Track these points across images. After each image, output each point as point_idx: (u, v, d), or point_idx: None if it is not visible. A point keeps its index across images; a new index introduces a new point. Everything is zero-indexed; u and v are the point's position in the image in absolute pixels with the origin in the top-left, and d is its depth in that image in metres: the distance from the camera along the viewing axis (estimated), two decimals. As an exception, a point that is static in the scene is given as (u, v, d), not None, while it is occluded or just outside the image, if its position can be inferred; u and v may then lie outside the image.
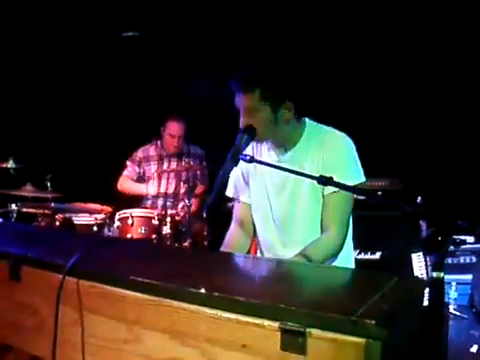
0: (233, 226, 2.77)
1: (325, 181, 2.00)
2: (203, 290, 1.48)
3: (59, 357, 1.86)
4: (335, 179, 2.02)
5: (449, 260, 4.61)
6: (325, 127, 2.59)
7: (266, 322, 1.36)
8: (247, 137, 2.36)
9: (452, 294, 4.28)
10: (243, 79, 2.41)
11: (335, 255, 2.48)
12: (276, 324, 1.34)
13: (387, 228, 4.80)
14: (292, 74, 2.54)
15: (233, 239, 2.72)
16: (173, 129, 5.10)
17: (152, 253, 2.28)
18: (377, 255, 4.74)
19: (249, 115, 2.41)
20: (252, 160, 2.26)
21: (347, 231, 2.52)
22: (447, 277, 4.31)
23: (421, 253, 4.43)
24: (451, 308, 4.15)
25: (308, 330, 1.30)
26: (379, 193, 4.96)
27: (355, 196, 2.62)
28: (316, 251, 2.38)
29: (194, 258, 2.20)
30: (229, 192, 2.75)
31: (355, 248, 2.80)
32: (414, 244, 4.50)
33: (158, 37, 6.07)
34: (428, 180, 4.91)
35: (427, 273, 4.37)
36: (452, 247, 4.52)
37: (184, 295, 1.52)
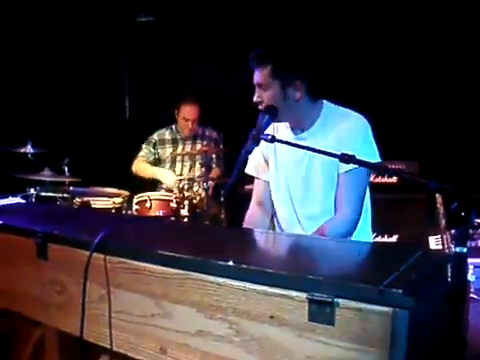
0: (253, 204, 2.81)
1: (347, 159, 2.01)
2: (231, 262, 1.50)
3: (87, 333, 1.89)
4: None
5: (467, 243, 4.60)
6: (342, 108, 2.62)
7: (294, 293, 1.38)
8: (268, 117, 2.40)
9: (470, 277, 4.29)
10: (257, 54, 2.50)
11: (350, 234, 2.49)
12: (304, 295, 1.36)
13: (404, 211, 4.80)
14: (304, 54, 2.59)
15: (253, 217, 2.77)
16: (187, 112, 5.08)
17: (177, 229, 2.30)
18: (394, 238, 4.75)
19: (261, 90, 2.50)
20: (273, 140, 2.27)
21: (361, 210, 2.54)
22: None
23: (439, 236, 4.43)
24: (471, 291, 4.16)
25: (336, 300, 1.32)
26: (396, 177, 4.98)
27: (371, 179, 2.64)
28: (332, 230, 2.41)
29: (219, 233, 2.23)
30: (250, 170, 2.79)
31: (372, 231, 2.81)
32: (431, 227, 4.50)
33: (172, 22, 6.08)
34: (446, 163, 4.89)
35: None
36: (471, 230, 4.52)
37: (211, 268, 1.54)
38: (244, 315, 1.48)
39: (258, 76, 2.49)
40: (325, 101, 2.62)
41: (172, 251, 1.66)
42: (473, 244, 4.58)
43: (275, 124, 2.66)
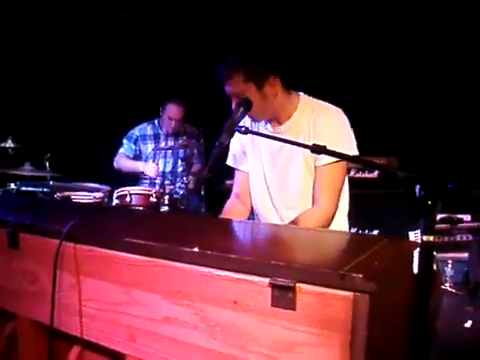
0: (232, 196, 2.85)
1: (319, 149, 2.02)
2: (196, 249, 1.52)
3: (57, 322, 1.90)
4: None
5: (445, 238, 4.65)
6: (320, 101, 2.64)
7: (257, 278, 1.40)
8: (243, 109, 2.40)
9: (448, 272, 4.33)
10: (228, 64, 2.50)
11: (325, 227, 2.51)
12: (267, 280, 1.38)
13: (384, 206, 4.83)
14: (271, 47, 2.60)
15: (232, 207, 2.80)
16: (172, 112, 5.15)
17: (147, 218, 2.31)
18: (374, 233, 4.77)
19: (238, 99, 2.47)
20: (247, 131, 2.28)
21: (338, 204, 2.56)
22: (443, 255, 4.37)
23: (418, 231, 4.46)
24: (447, 285, 4.20)
25: (298, 285, 1.33)
26: (376, 172, 5.02)
27: (351, 174, 2.66)
28: (306, 222, 2.42)
29: (188, 222, 2.24)
30: (229, 161, 2.84)
31: (353, 226, 2.83)
32: (411, 222, 4.53)
33: (155, 18, 6.09)
34: (425, 160, 4.92)
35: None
36: (448, 225, 4.56)
37: (177, 254, 1.55)
38: (209, 300, 1.49)
39: (232, 86, 2.48)
40: (301, 93, 2.64)
41: (140, 239, 1.67)
42: (452, 239, 4.62)
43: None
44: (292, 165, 2.58)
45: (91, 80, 6.20)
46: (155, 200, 4.43)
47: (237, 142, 2.79)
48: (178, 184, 4.87)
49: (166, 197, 4.48)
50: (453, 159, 4.93)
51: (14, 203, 2.76)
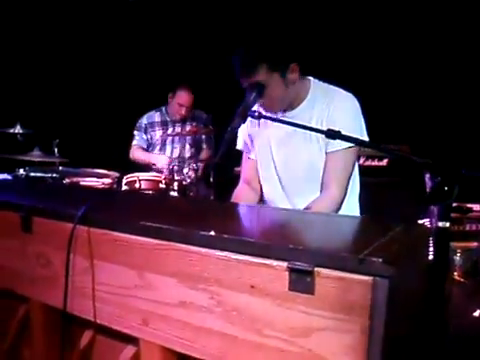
0: (241, 182, 2.83)
1: (333, 134, 2.00)
2: (213, 232, 1.50)
3: (70, 306, 1.90)
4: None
5: (455, 227, 4.63)
6: (331, 86, 2.61)
7: (275, 262, 1.38)
8: (256, 94, 2.37)
9: (457, 261, 4.31)
10: (247, 61, 2.42)
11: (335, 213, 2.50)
12: (284, 264, 1.36)
13: (393, 194, 4.81)
14: (293, 36, 2.56)
15: (241, 194, 2.78)
16: (182, 99, 5.14)
17: (161, 202, 2.30)
18: (382, 221, 4.75)
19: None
20: (260, 116, 2.26)
21: (346, 190, 2.54)
22: (453, 244, 4.33)
23: (427, 219, 4.44)
24: (456, 274, 4.18)
25: (316, 269, 1.32)
26: (386, 160, 4.99)
27: (360, 162, 2.64)
28: (317, 208, 2.41)
29: (202, 206, 2.23)
30: (239, 145, 2.80)
31: (361, 213, 2.82)
32: (420, 210, 4.51)
33: (162, 3, 6.06)
34: (436, 148, 4.89)
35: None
36: (458, 214, 4.53)
37: (194, 238, 1.54)
38: (226, 285, 1.48)
39: (254, 79, 2.40)
40: (312, 78, 2.61)
41: (154, 222, 1.66)
42: (461, 228, 4.60)
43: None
44: (304, 150, 2.55)
45: (99, 66, 6.18)
46: (164, 186, 4.44)
47: (244, 129, 2.76)
48: (186, 170, 4.86)
49: (175, 183, 4.48)
50: (463, 147, 4.90)
51: (25, 188, 2.75)
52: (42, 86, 5.94)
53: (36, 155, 4.61)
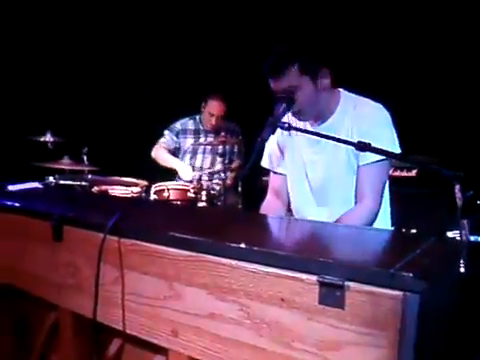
0: (269, 196, 2.81)
1: (363, 146, 1.99)
2: (243, 245, 1.50)
3: (100, 315, 1.91)
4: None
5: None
6: (361, 97, 2.59)
7: (304, 276, 1.38)
8: (285, 106, 2.37)
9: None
10: (278, 61, 2.42)
11: (369, 225, 2.48)
12: (314, 278, 1.36)
13: (423, 206, 4.76)
14: (324, 41, 2.55)
15: (269, 206, 2.76)
16: (213, 108, 5.14)
17: (188, 213, 2.31)
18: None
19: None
20: (290, 128, 2.26)
21: (381, 202, 2.51)
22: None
23: (457, 231, 4.38)
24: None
25: (346, 283, 1.31)
26: (415, 171, 4.95)
27: (390, 173, 2.61)
28: (351, 221, 2.39)
29: (232, 217, 2.23)
30: (264, 163, 2.79)
31: (391, 225, 2.80)
32: (450, 222, 4.45)
33: (195, 14, 6.10)
34: (464, 162, 4.83)
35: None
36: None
37: (224, 250, 1.54)
38: (255, 298, 1.48)
39: (284, 81, 2.40)
40: (341, 90, 2.60)
41: (185, 233, 1.67)
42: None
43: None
44: (335, 164, 2.54)
45: (131, 75, 6.24)
46: (193, 195, 4.46)
47: (274, 142, 2.74)
48: (215, 180, 4.87)
49: (203, 193, 4.50)
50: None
51: (55, 196, 2.78)
52: (72, 95, 6.01)
53: (66, 163, 4.67)
